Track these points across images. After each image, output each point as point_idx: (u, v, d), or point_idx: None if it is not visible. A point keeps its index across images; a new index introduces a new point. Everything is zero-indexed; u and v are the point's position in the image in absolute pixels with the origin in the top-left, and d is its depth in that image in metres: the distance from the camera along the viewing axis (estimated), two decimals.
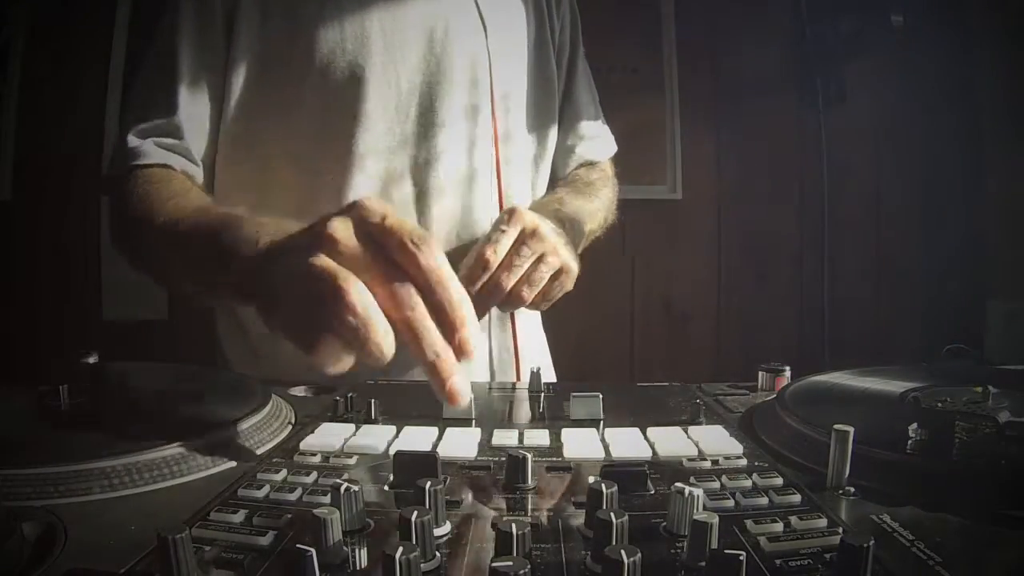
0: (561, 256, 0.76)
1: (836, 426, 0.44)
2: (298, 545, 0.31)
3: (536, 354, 1.00)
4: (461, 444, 0.52)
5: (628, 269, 2.20)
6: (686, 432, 0.54)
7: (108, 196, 0.85)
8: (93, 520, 0.39)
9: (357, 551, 0.35)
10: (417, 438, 0.53)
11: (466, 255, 0.74)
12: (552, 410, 0.64)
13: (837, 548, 0.32)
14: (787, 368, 0.71)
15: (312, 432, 0.53)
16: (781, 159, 2.22)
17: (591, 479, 0.39)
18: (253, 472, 0.46)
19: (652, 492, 0.43)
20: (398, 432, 0.54)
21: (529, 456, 0.44)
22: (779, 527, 0.37)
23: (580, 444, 0.52)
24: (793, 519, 0.38)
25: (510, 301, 0.74)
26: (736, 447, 0.51)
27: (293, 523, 0.38)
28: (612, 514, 0.33)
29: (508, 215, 0.74)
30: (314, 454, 0.49)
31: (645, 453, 0.50)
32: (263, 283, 0.54)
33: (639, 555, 0.29)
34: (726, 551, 0.30)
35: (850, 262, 2.22)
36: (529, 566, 0.30)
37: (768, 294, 2.23)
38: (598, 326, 2.09)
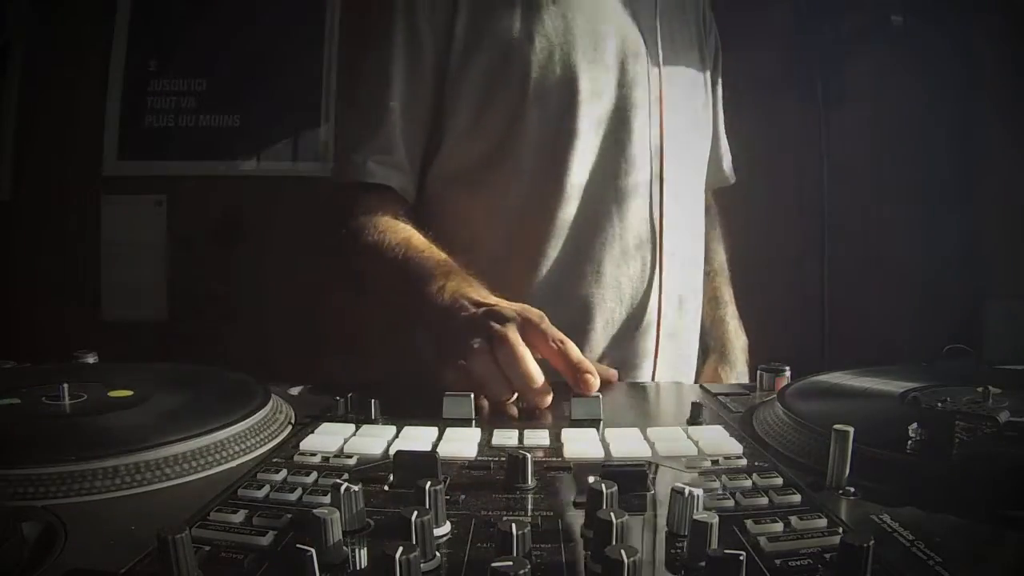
0: None
1: (836, 426, 0.44)
2: (298, 545, 0.31)
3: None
4: (461, 444, 0.52)
5: None
6: (686, 432, 0.54)
7: (335, 205, 0.99)
8: (93, 520, 0.39)
9: (357, 551, 0.35)
10: (417, 438, 0.53)
11: None
12: (552, 410, 0.64)
13: (837, 548, 0.32)
14: (787, 368, 0.71)
15: (312, 432, 0.53)
16: (781, 159, 2.22)
17: (591, 479, 0.39)
18: (253, 472, 0.46)
19: (652, 492, 0.43)
20: (398, 432, 0.54)
21: (529, 456, 0.44)
22: (779, 527, 0.37)
23: (580, 444, 0.52)
24: (793, 519, 0.38)
25: None
26: (736, 447, 0.51)
27: (293, 523, 0.38)
28: (612, 514, 0.33)
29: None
30: (314, 454, 0.49)
31: (645, 453, 0.50)
32: (442, 330, 0.75)
33: (639, 555, 0.29)
34: (726, 551, 0.30)
35: (850, 262, 2.21)
36: (529, 566, 0.30)
37: (768, 294, 2.23)
38: None
